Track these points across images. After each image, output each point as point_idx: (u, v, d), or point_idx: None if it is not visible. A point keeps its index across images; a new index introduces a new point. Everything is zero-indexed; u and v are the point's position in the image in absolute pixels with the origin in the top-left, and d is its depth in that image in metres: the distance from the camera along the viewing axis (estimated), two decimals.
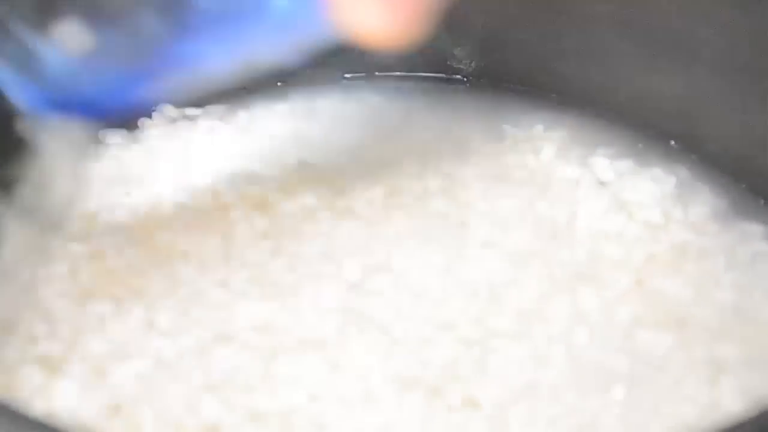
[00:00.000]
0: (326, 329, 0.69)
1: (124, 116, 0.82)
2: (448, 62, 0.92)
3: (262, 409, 0.65)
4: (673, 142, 0.84)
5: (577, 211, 0.78)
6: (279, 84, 0.89)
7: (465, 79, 0.92)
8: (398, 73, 0.92)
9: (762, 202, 0.80)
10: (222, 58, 0.67)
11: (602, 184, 0.80)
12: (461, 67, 0.92)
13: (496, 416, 0.65)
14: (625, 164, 0.82)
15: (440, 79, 0.93)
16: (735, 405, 0.65)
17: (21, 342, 0.69)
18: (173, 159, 0.84)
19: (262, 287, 0.72)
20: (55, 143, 0.70)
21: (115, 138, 0.84)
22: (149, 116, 0.86)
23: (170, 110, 0.86)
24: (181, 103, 0.85)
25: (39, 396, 0.65)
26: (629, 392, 0.66)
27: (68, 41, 0.65)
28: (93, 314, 0.70)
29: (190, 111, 0.86)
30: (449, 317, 0.70)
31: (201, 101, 0.86)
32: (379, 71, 0.92)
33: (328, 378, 0.66)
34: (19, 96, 0.68)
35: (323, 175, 0.81)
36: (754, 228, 0.78)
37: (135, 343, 0.68)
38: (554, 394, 0.66)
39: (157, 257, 0.74)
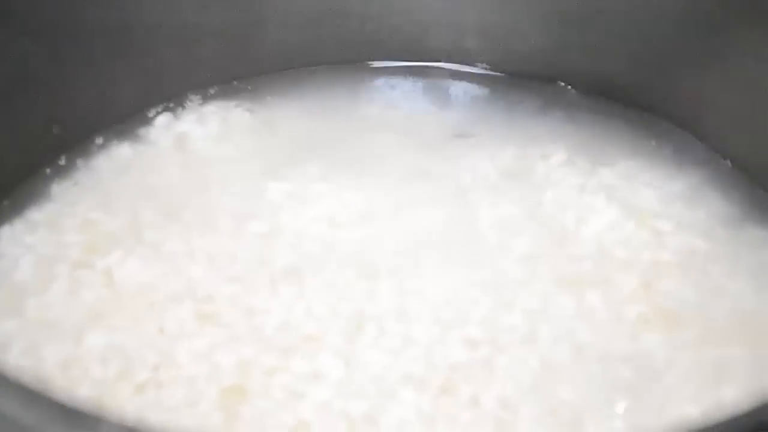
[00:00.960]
0: (338, 328, 0.71)
1: None
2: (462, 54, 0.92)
3: None
4: (683, 145, 0.85)
5: (585, 215, 0.79)
6: None
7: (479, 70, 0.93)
8: (404, 64, 0.93)
9: None
10: None
11: (611, 187, 0.81)
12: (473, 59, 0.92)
13: (503, 415, 0.66)
14: (634, 168, 0.83)
15: (451, 69, 0.93)
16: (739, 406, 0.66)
17: None
18: None
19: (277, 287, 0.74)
20: None
21: None
22: None
23: None
24: None
25: None
26: (634, 392, 0.68)
27: None
28: None
29: None
30: (458, 318, 0.71)
31: None
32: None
33: (346, 375, 0.68)
34: None
35: (337, 165, 0.83)
36: (762, 234, 0.79)
37: None
38: (560, 393, 0.67)
39: None
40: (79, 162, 0.83)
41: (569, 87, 0.90)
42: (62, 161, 0.83)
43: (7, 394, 0.47)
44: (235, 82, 0.90)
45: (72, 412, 0.46)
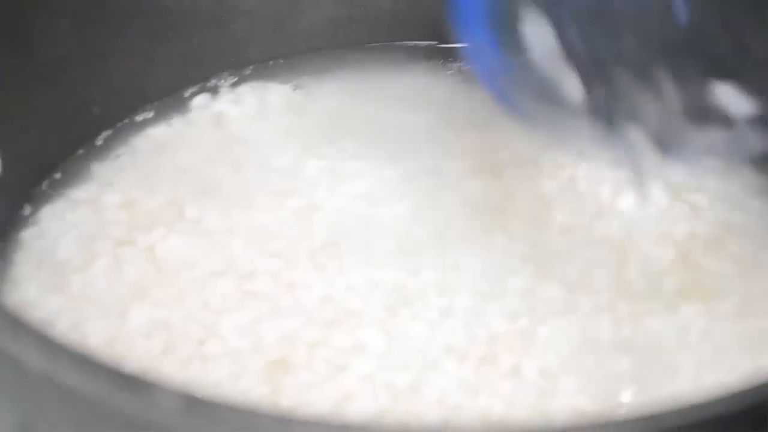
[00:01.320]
0: (378, 302, 0.72)
1: None
2: None
3: None
4: None
5: (619, 190, 0.79)
6: None
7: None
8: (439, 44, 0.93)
9: None
10: None
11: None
12: None
13: (544, 385, 0.67)
14: None
15: None
16: None
17: None
18: None
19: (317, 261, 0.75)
20: None
21: None
22: None
23: None
24: None
25: None
26: (673, 362, 0.68)
27: None
28: None
29: None
30: (497, 290, 0.72)
31: None
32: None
33: (388, 347, 0.69)
34: None
35: (373, 143, 0.84)
36: None
37: None
38: (601, 362, 0.68)
39: None
40: (118, 142, 0.84)
41: None
42: (101, 141, 0.84)
43: (67, 364, 0.48)
44: (270, 62, 0.91)
45: (130, 379, 0.47)
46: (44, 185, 0.81)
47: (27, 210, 0.79)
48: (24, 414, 0.51)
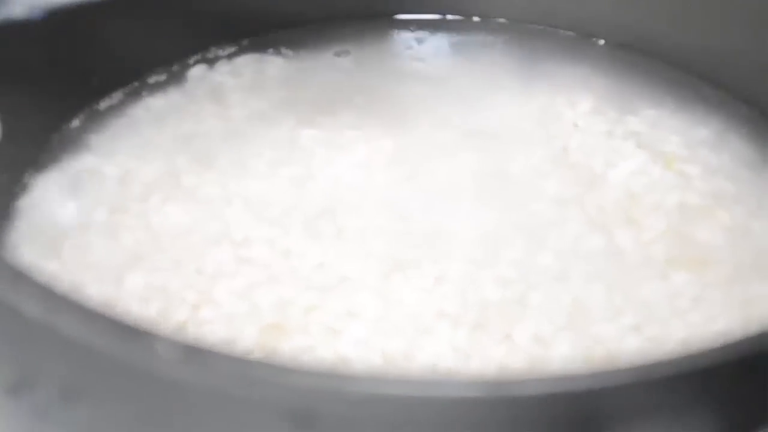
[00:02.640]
0: (373, 268, 0.72)
1: None
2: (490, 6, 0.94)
3: None
4: (707, 91, 0.86)
5: (612, 160, 0.80)
6: None
7: (506, 21, 0.94)
8: (432, 17, 0.94)
9: None
10: None
11: (637, 134, 0.83)
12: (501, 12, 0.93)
13: (536, 351, 0.67)
14: (660, 116, 0.84)
15: (479, 23, 0.95)
16: None
17: None
18: None
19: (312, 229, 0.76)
20: None
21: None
22: None
23: None
24: None
25: None
26: (663, 329, 0.69)
27: None
28: None
29: None
30: (490, 257, 0.73)
31: None
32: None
33: (382, 313, 0.69)
34: None
35: (369, 114, 0.85)
36: None
37: None
38: (591, 329, 0.69)
39: None
40: (116, 112, 0.85)
41: (596, 39, 0.91)
42: (99, 111, 0.85)
43: (65, 313, 0.48)
44: (267, 34, 0.92)
45: (128, 328, 0.47)
46: (42, 154, 0.81)
47: (24, 178, 0.79)
48: (23, 364, 0.51)
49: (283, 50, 0.91)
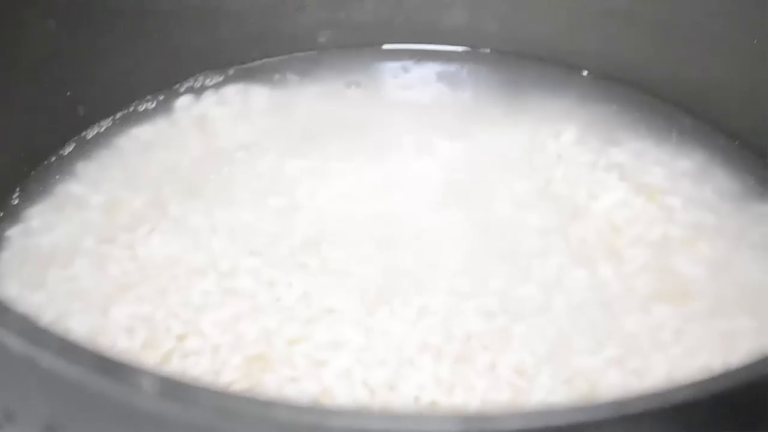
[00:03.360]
0: (357, 299, 0.73)
1: None
2: (475, 37, 0.94)
3: None
4: (690, 124, 0.86)
5: (596, 191, 0.81)
6: None
7: (491, 52, 0.94)
8: (418, 47, 0.95)
9: None
10: None
11: (620, 165, 0.83)
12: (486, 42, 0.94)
13: (519, 383, 0.68)
14: (643, 146, 0.85)
15: (465, 53, 0.95)
16: None
17: None
18: None
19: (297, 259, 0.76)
20: None
21: None
22: None
23: None
24: None
25: None
26: (645, 362, 0.69)
27: None
28: None
29: None
30: (474, 289, 0.73)
31: None
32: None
33: (366, 344, 0.70)
34: None
35: (354, 143, 0.85)
36: (766, 209, 0.81)
37: None
38: (573, 362, 0.69)
39: None
40: (103, 141, 0.85)
41: (580, 70, 0.91)
42: (86, 140, 0.85)
43: (48, 347, 0.48)
44: (253, 63, 0.92)
45: (114, 365, 0.48)
46: (29, 183, 0.81)
47: (11, 207, 0.80)
48: (5, 398, 0.52)
49: (270, 79, 0.91)
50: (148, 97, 0.88)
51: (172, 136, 0.86)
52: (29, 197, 0.81)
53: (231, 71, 0.92)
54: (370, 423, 0.46)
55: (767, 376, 0.48)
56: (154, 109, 0.88)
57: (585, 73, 0.91)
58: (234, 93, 0.90)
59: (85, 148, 0.85)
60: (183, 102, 0.89)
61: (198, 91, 0.90)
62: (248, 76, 0.92)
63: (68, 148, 0.84)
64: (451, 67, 0.93)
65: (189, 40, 0.88)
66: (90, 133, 0.86)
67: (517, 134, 0.86)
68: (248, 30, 0.91)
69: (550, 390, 0.67)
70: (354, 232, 0.77)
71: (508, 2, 0.90)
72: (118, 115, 0.87)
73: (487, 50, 0.94)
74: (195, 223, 0.78)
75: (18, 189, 0.81)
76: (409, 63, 0.94)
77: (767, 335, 0.71)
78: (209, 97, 0.89)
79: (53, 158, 0.83)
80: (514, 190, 0.81)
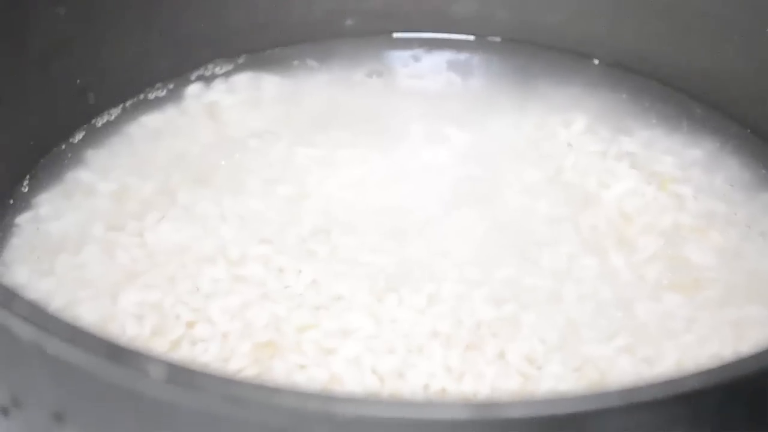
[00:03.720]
0: (366, 287, 0.72)
1: None
2: (485, 25, 0.93)
3: None
4: (701, 113, 0.86)
5: (606, 180, 0.80)
6: None
7: (501, 40, 0.94)
8: (429, 35, 0.94)
9: None
10: None
11: (631, 154, 0.82)
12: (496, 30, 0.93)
13: (529, 371, 0.68)
14: (654, 137, 0.84)
15: (475, 42, 0.94)
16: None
17: None
18: None
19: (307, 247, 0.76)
20: None
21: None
22: None
23: None
24: None
25: None
26: (655, 350, 0.69)
27: None
28: None
29: None
30: (483, 277, 0.73)
31: None
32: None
33: (375, 332, 0.70)
34: None
35: (363, 132, 0.85)
36: None
37: None
38: (583, 350, 0.69)
39: None
40: (113, 129, 0.85)
41: (591, 59, 0.91)
42: (96, 128, 0.85)
43: (59, 335, 0.48)
44: (263, 52, 0.92)
45: (123, 351, 0.48)
46: (39, 170, 0.81)
47: (21, 195, 0.80)
48: (13, 384, 0.52)
49: (280, 68, 0.91)
50: (158, 85, 0.88)
51: (181, 124, 0.86)
52: (39, 184, 0.81)
53: (241, 59, 0.91)
54: (380, 410, 0.46)
55: None
56: (164, 97, 0.88)
57: (595, 61, 0.91)
58: (244, 81, 0.90)
59: (95, 136, 0.85)
60: (193, 90, 0.89)
61: (208, 80, 0.90)
62: (259, 64, 0.91)
63: (78, 136, 0.84)
64: (462, 56, 0.93)
65: (199, 28, 0.88)
66: (100, 121, 0.86)
67: (528, 123, 0.86)
68: (258, 18, 0.91)
69: (560, 378, 0.67)
70: (363, 221, 0.77)
71: None
72: (128, 103, 0.87)
73: (498, 39, 0.93)
74: (204, 211, 0.78)
75: (28, 176, 0.81)
76: (419, 51, 0.93)
77: None
78: (219, 85, 0.89)
79: (63, 146, 0.83)
80: (524, 178, 0.81)
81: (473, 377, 0.67)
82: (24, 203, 0.80)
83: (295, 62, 0.92)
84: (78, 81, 0.83)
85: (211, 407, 0.46)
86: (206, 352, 0.69)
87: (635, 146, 0.83)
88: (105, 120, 0.86)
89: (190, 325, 0.70)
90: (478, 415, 0.45)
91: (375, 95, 0.89)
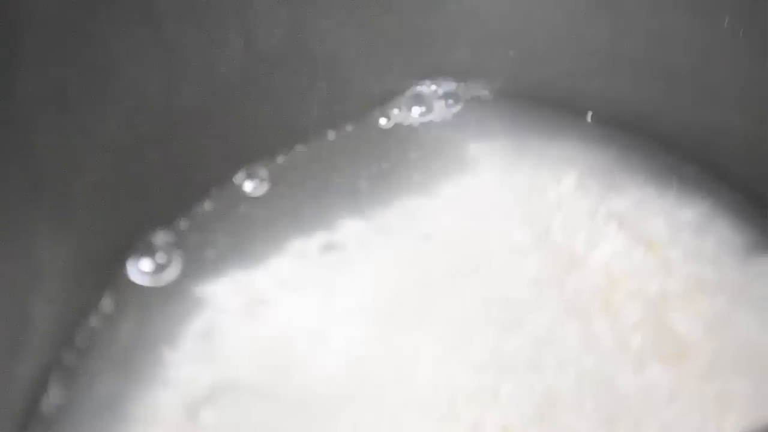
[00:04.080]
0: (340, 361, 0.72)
1: None
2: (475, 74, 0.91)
3: None
4: (693, 172, 0.83)
5: (594, 241, 0.79)
6: None
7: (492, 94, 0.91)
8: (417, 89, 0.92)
9: None
10: None
11: (620, 214, 0.81)
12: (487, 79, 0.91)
13: None
14: (644, 196, 0.82)
15: (463, 92, 0.92)
16: None
17: None
18: None
19: None
20: None
21: None
22: None
23: None
24: None
25: None
26: (636, 424, 0.68)
27: None
28: None
29: None
30: (463, 341, 0.72)
31: None
32: None
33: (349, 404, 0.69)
34: None
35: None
36: None
37: None
38: (563, 421, 0.68)
39: None
40: None
41: (583, 115, 0.89)
42: None
43: None
44: None
45: None
46: None
47: None
48: None
49: None
50: None
51: None
52: None
53: None
54: None
55: None
56: None
57: (588, 118, 0.89)
58: None
59: None
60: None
61: None
62: None
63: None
64: (444, 109, 0.91)
65: None
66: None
67: (518, 178, 0.84)
68: None
69: None
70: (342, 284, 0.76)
71: (511, 44, 0.87)
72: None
73: (488, 92, 0.91)
74: None
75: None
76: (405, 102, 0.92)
77: (762, 400, 0.69)
78: None
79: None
80: (511, 236, 0.79)
81: None
82: None
83: None
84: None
85: None
86: None
87: (625, 205, 0.81)
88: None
89: None
90: None
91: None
